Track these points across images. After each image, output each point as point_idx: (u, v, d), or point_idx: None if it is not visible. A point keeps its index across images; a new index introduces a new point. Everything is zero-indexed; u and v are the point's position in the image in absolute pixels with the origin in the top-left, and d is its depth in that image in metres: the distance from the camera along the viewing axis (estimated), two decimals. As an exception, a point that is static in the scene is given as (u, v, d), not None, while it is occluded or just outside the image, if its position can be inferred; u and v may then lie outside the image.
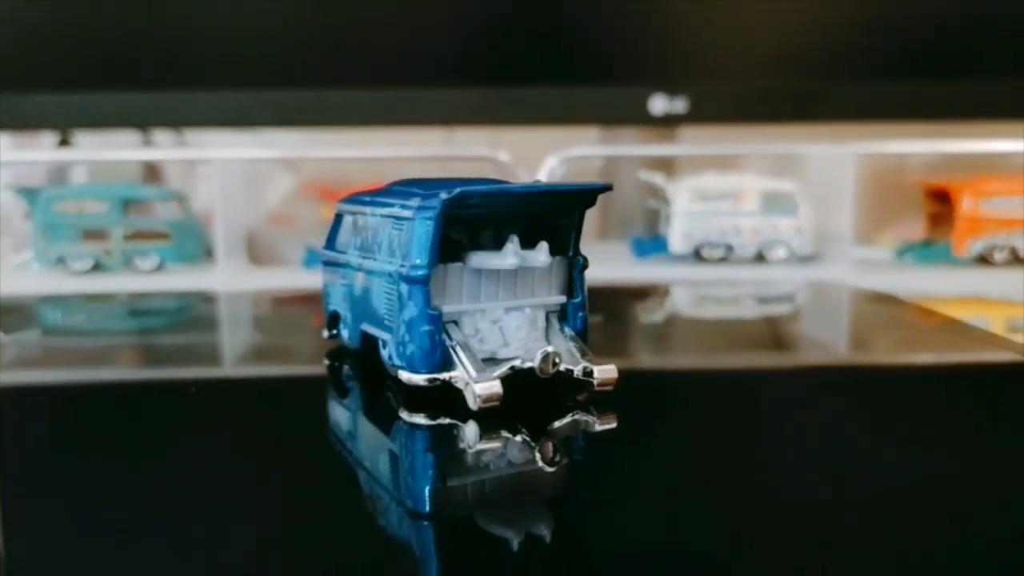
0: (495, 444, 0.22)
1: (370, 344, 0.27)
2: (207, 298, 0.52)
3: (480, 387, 0.23)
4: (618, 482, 0.20)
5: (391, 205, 0.26)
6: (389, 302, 0.25)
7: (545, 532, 0.17)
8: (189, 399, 0.28)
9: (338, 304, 0.30)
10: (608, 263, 0.60)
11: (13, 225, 0.64)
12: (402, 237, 0.25)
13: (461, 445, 0.22)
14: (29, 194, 0.58)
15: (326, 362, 0.30)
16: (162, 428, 0.25)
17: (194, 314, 0.48)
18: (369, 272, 0.27)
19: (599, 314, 0.39)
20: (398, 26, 0.63)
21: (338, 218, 0.30)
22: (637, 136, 0.69)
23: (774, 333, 0.42)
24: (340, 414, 0.26)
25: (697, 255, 0.60)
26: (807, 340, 0.41)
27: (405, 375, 0.25)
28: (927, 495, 0.19)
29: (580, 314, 0.27)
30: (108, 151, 0.67)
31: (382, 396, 0.26)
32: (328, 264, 0.30)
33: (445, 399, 0.24)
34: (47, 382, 0.32)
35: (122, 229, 0.58)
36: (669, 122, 0.63)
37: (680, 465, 0.22)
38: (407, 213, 0.25)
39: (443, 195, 0.23)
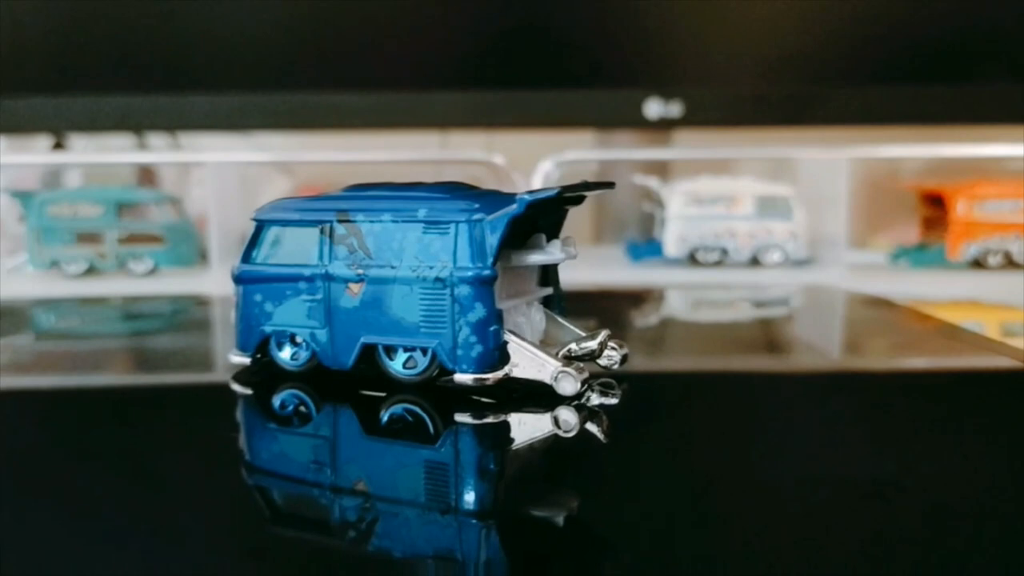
0: (597, 423, 0.24)
1: (366, 358, 0.26)
2: (201, 301, 0.52)
3: (577, 372, 0.25)
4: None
5: (411, 210, 0.25)
6: (432, 308, 0.25)
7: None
8: (195, 405, 0.28)
9: (294, 322, 0.27)
10: (603, 267, 0.60)
11: (7, 228, 0.64)
12: (447, 241, 0.25)
13: (549, 433, 0.23)
14: (23, 197, 0.58)
15: (248, 390, 0.28)
16: (168, 435, 0.25)
17: (188, 317, 0.48)
18: (380, 281, 0.25)
19: (594, 317, 0.39)
20: (393, 29, 0.63)
21: (260, 230, 0.27)
22: (632, 140, 0.69)
23: (769, 337, 0.42)
24: (392, 419, 0.25)
25: (692, 259, 0.60)
26: (802, 344, 0.41)
27: (467, 377, 0.25)
28: (921, 499, 0.19)
29: (562, 304, 0.29)
30: (102, 154, 0.67)
31: (385, 404, 0.26)
32: (262, 280, 0.27)
33: (465, 396, 0.25)
34: (40, 386, 0.31)
35: (116, 232, 0.57)
36: (664, 126, 0.64)
37: (678, 468, 0.22)
38: (449, 217, 0.25)
39: (525, 198, 0.24)
